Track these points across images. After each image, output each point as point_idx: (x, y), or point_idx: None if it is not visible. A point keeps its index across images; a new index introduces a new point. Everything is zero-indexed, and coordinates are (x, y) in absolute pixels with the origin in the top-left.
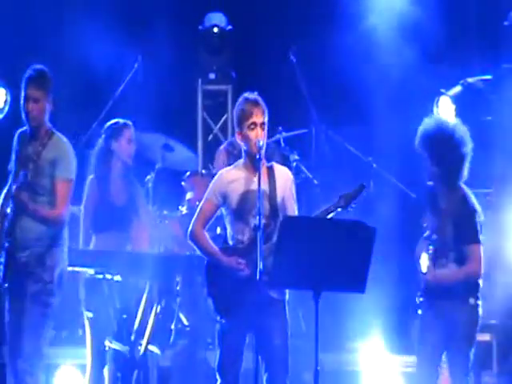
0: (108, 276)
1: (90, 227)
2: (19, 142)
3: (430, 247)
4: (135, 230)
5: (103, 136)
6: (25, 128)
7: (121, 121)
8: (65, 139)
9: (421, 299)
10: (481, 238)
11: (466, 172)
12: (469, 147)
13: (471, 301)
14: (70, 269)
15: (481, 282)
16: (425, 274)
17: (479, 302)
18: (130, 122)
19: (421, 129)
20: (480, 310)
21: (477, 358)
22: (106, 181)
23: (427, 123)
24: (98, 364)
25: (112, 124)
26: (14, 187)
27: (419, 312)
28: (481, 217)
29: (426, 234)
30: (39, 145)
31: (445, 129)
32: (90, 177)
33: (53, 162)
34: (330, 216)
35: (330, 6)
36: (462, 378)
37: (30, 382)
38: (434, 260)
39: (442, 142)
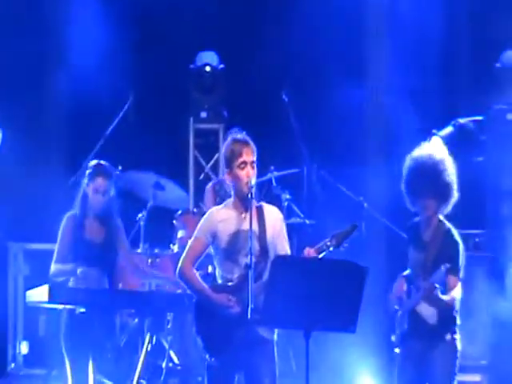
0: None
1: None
2: None
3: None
4: (118, 267)
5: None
6: None
7: (96, 166)
8: None
9: (393, 338)
10: (461, 274)
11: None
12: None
13: (448, 337)
14: (61, 307)
15: (458, 316)
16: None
17: (456, 337)
18: (102, 170)
19: (411, 165)
20: (458, 345)
21: None
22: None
23: (425, 158)
24: None
25: (91, 166)
26: None
27: (396, 351)
28: (463, 253)
29: (406, 272)
30: None
31: (438, 159)
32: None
33: None
34: (321, 255)
35: (323, 46)
36: None
37: None
38: (409, 291)
39: (438, 173)
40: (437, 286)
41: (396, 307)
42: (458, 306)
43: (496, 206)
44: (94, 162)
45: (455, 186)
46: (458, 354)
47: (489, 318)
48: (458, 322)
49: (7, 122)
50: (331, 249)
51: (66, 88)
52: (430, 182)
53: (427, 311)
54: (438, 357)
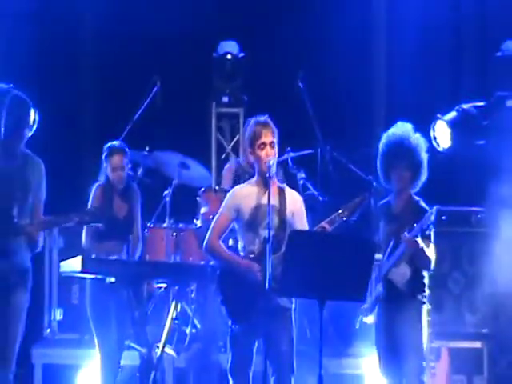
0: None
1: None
2: None
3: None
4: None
5: None
6: None
7: (111, 146)
8: None
9: (365, 306)
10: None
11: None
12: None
13: (416, 303)
14: (92, 276)
15: (427, 287)
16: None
17: (424, 306)
18: (116, 148)
19: (389, 140)
20: (425, 312)
21: (469, 364)
22: (110, 193)
23: (402, 132)
24: (111, 366)
25: (105, 149)
26: None
27: (369, 320)
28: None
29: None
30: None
31: (413, 137)
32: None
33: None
34: (334, 225)
35: (335, 34)
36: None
37: None
38: (389, 256)
39: (420, 150)
40: (418, 240)
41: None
42: (427, 275)
43: (496, 186)
44: (107, 145)
45: (425, 166)
46: (425, 319)
47: (489, 288)
48: (427, 291)
49: (42, 105)
50: (344, 219)
51: (98, 75)
52: (407, 154)
53: (399, 277)
54: (406, 320)
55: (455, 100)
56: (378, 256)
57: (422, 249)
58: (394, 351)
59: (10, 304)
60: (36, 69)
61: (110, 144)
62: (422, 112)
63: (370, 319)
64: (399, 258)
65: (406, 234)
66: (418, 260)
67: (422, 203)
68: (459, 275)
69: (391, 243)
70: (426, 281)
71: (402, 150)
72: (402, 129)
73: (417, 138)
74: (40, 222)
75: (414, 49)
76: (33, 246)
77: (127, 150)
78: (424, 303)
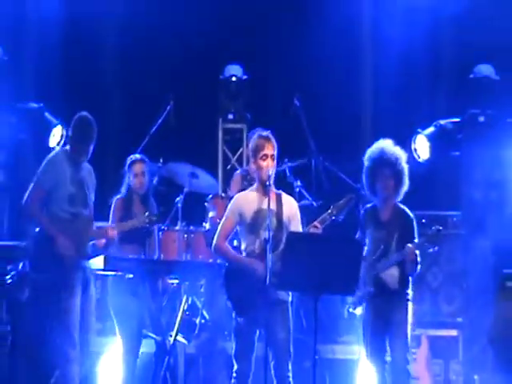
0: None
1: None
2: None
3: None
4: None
5: None
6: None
7: (132, 157)
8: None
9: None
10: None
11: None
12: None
13: (404, 299)
14: (113, 273)
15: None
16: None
17: (409, 302)
18: (137, 158)
19: (373, 153)
20: (410, 306)
21: (446, 350)
22: (130, 203)
23: (382, 147)
24: (131, 352)
25: (128, 159)
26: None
27: (357, 311)
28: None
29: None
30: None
31: (395, 150)
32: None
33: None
34: (325, 223)
35: (327, 60)
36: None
37: None
38: (379, 259)
39: (401, 161)
40: (417, 252)
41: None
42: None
43: (469, 192)
44: (129, 157)
45: (407, 174)
46: (410, 313)
47: (464, 283)
48: (411, 292)
49: (67, 119)
50: (333, 217)
51: (118, 94)
52: (390, 165)
53: (390, 278)
54: (396, 314)
55: (433, 117)
56: None
57: (415, 259)
58: (381, 341)
59: (88, 296)
60: (63, 87)
61: (131, 156)
62: (404, 127)
63: (358, 311)
64: (395, 262)
65: (409, 245)
66: (409, 267)
67: (408, 211)
68: (437, 271)
69: (381, 248)
70: (411, 281)
71: (384, 161)
72: (383, 144)
73: (397, 150)
74: (119, 225)
75: (396, 72)
76: (108, 245)
77: (146, 159)
78: (409, 300)
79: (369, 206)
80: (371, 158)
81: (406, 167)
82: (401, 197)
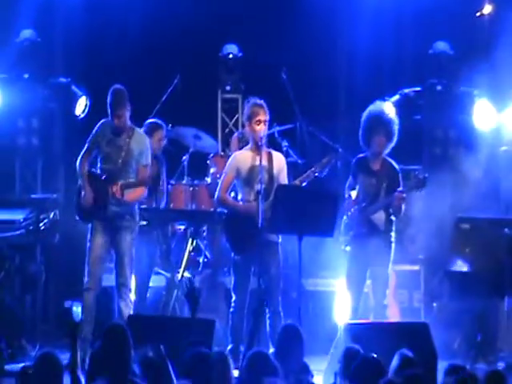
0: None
1: None
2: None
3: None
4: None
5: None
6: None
7: (154, 122)
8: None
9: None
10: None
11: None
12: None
13: (389, 237)
14: None
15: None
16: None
17: (393, 239)
18: (160, 124)
19: (371, 112)
20: (393, 243)
21: (410, 282)
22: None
23: (381, 108)
24: (143, 285)
25: (148, 123)
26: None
27: (347, 248)
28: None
29: (354, 196)
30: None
31: (389, 112)
32: None
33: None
34: (308, 179)
35: (311, 39)
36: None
37: None
38: (370, 203)
39: (389, 120)
40: (404, 195)
41: (349, 213)
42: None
43: (429, 149)
44: (150, 121)
45: (396, 134)
46: (393, 249)
47: (426, 224)
48: (394, 233)
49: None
50: (316, 174)
51: (132, 71)
52: (385, 124)
53: (378, 220)
54: (381, 251)
55: (398, 86)
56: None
57: (403, 203)
58: (362, 272)
59: (118, 241)
60: (87, 64)
61: (153, 121)
62: (374, 96)
63: (347, 248)
64: (383, 206)
65: (399, 189)
66: (396, 209)
67: (394, 163)
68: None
69: (371, 194)
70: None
71: (382, 121)
72: (382, 106)
73: (391, 114)
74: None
75: (368, 48)
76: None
77: (164, 125)
78: (392, 242)
79: (361, 155)
80: (371, 116)
81: (396, 128)
82: (388, 150)
